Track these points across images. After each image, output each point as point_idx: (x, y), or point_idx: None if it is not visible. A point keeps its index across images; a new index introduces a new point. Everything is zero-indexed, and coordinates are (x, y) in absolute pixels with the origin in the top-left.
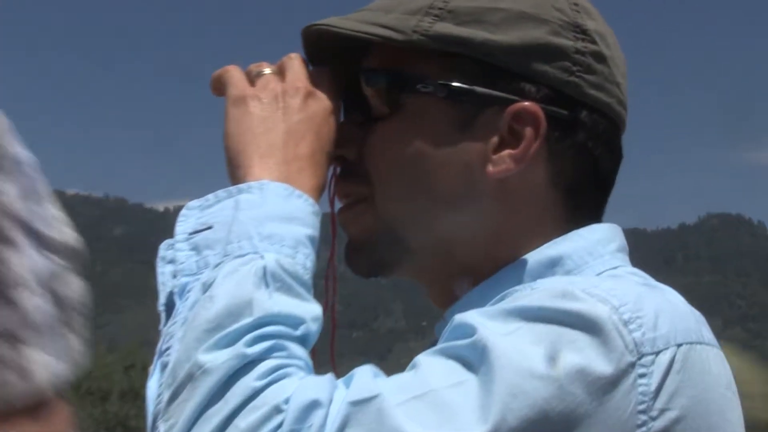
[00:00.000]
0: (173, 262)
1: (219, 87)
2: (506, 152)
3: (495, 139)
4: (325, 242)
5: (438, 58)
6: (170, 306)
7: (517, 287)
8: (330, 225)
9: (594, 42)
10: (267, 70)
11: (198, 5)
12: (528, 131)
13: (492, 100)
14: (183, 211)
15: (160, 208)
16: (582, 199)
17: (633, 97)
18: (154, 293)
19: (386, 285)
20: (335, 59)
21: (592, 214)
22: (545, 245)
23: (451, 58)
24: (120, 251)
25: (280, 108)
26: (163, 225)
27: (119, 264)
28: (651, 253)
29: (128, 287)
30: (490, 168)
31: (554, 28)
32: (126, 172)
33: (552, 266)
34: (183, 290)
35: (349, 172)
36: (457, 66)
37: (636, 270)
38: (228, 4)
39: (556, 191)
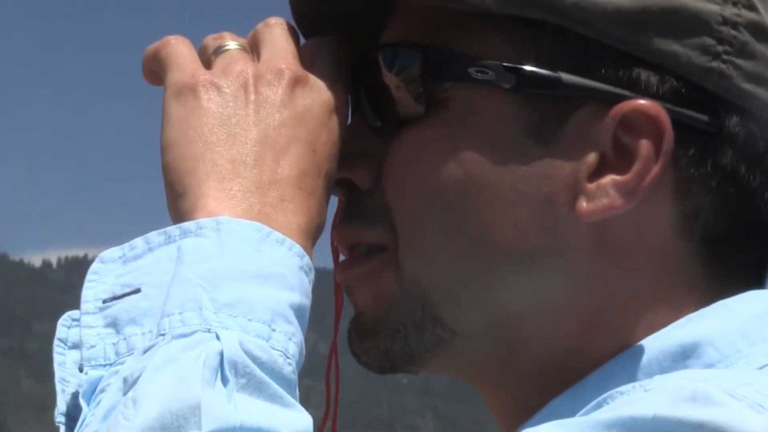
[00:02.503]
0: (78, 347)
1: (155, 69)
2: (609, 179)
3: (592, 158)
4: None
5: (502, 27)
6: (73, 416)
7: (623, 388)
8: (333, 286)
9: (752, 7)
10: (231, 44)
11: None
12: (644, 146)
13: (588, 95)
14: (94, 266)
15: (36, 261)
16: (730, 255)
17: None
18: (34, 402)
19: (410, 386)
20: (338, 29)
21: (747, 277)
22: (673, 325)
23: (524, 28)
24: None
25: (252, 102)
26: (41, 288)
27: None
28: None
29: None
30: (584, 204)
31: None
32: None
33: (684, 357)
34: (94, 390)
35: (358, 206)
36: (533, 40)
37: None
38: None
39: (688, 242)
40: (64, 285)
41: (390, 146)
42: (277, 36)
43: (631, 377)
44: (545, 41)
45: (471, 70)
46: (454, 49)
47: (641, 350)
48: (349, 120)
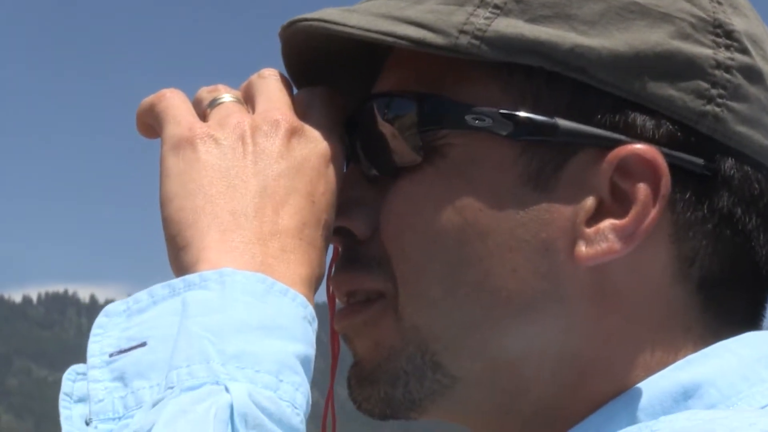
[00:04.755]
0: (85, 401)
1: (151, 123)
2: (607, 223)
3: (589, 203)
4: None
5: (498, 74)
6: None
7: (630, 429)
8: (330, 337)
9: (744, 50)
10: (226, 97)
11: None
12: (641, 191)
13: (584, 141)
14: (99, 319)
15: (17, 297)
16: (726, 297)
17: None
18: None
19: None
20: (331, 79)
21: (743, 319)
22: (673, 366)
23: (521, 74)
24: None
25: (250, 154)
26: (21, 324)
27: None
28: None
29: None
30: (583, 249)
31: (682, 29)
32: None
33: (686, 398)
34: None
35: (356, 254)
36: (530, 87)
37: None
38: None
39: (684, 285)
40: (44, 321)
41: (387, 195)
42: (272, 87)
43: (633, 418)
44: (542, 88)
45: (468, 117)
46: (450, 97)
47: (642, 391)
48: (345, 169)
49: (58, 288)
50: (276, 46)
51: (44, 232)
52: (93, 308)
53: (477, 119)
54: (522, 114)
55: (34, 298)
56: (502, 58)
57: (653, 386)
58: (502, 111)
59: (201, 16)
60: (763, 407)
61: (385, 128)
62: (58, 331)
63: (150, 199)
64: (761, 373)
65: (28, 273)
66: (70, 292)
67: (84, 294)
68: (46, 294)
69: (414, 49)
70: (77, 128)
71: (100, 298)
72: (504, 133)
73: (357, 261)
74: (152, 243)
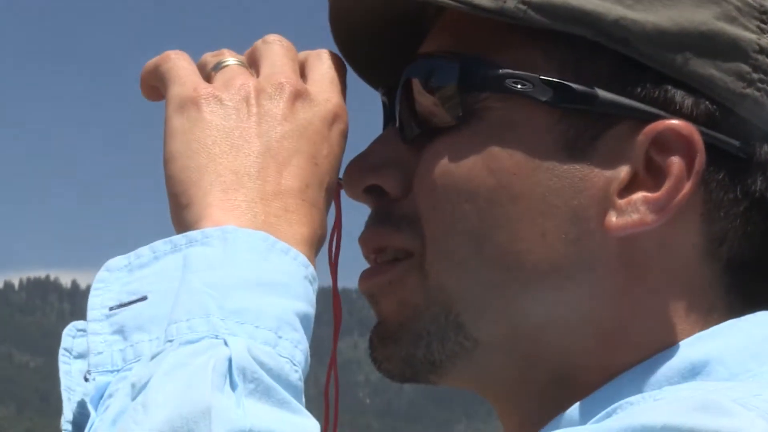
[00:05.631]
0: (84, 356)
1: (156, 84)
2: (640, 195)
3: (623, 174)
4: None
5: (542, 41)
6: (79, 424)
7: (633, 398)
8: (333, 302)
9: None
10: (231, 60)
11: None
12: (676, 165)
13: (623, 113)
14: (100, 274)
15: (14, 280)
16: (753, 281)
17: None
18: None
19: (372, 407)
20: (377, 42)
21: None
22: (683, 343)
23: (564, 43)
24: None
25: (254, 115)
26: (3, 309)
27: None
28: None
29: None
30: (613, 219)
31: (728, 11)
32: None
33: (693, 375)
34: (101, 396)
35: (387, 213)
36: (572, 56)
37: None
38: None
39: (712, 265)
40: (25, 306)
41: (422, 155)
42: (276, 52)
43: (639, 391)
44: (584, 57)
45: (508, 81)
46: (492, 61)
47: (651, 366)
48: (383, 131)
49: (40, 273)
50: (281, 17)
51: (26, 217)
52: (74, 294)
53: (518, 83)
54: (562, 81)
55: (16, 283)
56: (547, 24)
57: (663, 362)
58: (543, 77)
59: None
60: None
61: (426, 89)
62: (40, 317)
63: (135, 185)
64: None
65: (10, 258)
66: (52, 277)
67: (66, 279)
68: (28, 279)
69: (462, 10)
70: (58, 113)
71: (82, 283)
72: (543, 99)
73: (388, 219)
74: (136, 229)
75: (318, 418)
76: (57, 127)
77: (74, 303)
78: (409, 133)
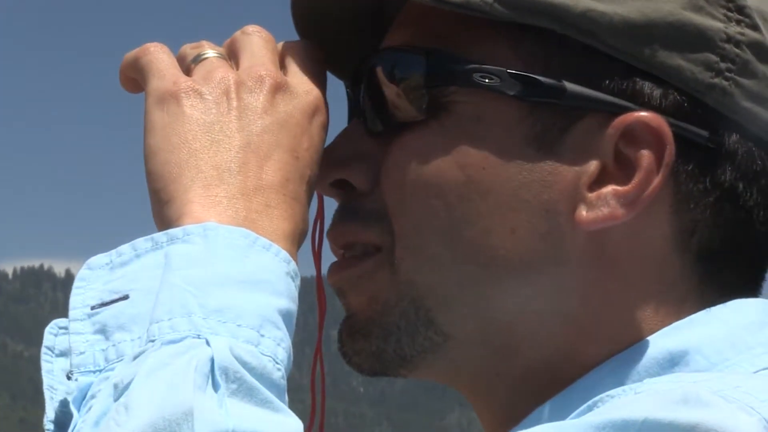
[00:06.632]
0: (67, 354)
1: (135, 77)
2: (610, 189)
3: (593, 168)
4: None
5: (508, 35)
6: (62, 423)
7: (614, 391)
8: (317, 294)
9: (755, 27)
10: (210, 53)
11: None
12: (645, 158)
13: (591, 106)
14: (82, 272)
15: (8, 269)
16: (724, 270)
17: None
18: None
19: (366, 396)
20: (339, 33)
21: (740, 293)
22: (660, 333)
23: (531, 36)
24: None
25: (234, 109)
26: (1, 301)
27: None
28: None
29: None
30: (584, 213)
31: (695, 0)
32: None
33: (672, 365)
34: (84, 396)
35: (354, 208)
36: (540, 49)
37: None
38: None
39: (683, 256)
40: (19, 295)
41: (389, 149)
42: (256, 44)
43: (619, 383)
44: (552, 50)
45: (476, 75)
46: (459, 54)
47: (629, 357)
48: (348, 123)
49: (34, 263)
50: (259, 9)
51: (20, 207)
52: (68, 283)
53: (485, 78)
54: (531, 75)
55: (10, 272)
56: (514, 18)
57: (640, 352)
58: (510, 71)
59: None
60: (755, 372)
61: (392, 83)
62: (34, 306)
63: (128, 175)
64: (748, 340)
65: (4, 248)
66: (46, 266)
67: (59, 269)
68: (22, 269)
69: (427, 3)
70: (58, 104)
71: (76, 273)
72: (511, 93)
73: (356, 214)
74: (129, 218)
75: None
76: (53, 116)
77: (68, 293)
78: (375, 127)
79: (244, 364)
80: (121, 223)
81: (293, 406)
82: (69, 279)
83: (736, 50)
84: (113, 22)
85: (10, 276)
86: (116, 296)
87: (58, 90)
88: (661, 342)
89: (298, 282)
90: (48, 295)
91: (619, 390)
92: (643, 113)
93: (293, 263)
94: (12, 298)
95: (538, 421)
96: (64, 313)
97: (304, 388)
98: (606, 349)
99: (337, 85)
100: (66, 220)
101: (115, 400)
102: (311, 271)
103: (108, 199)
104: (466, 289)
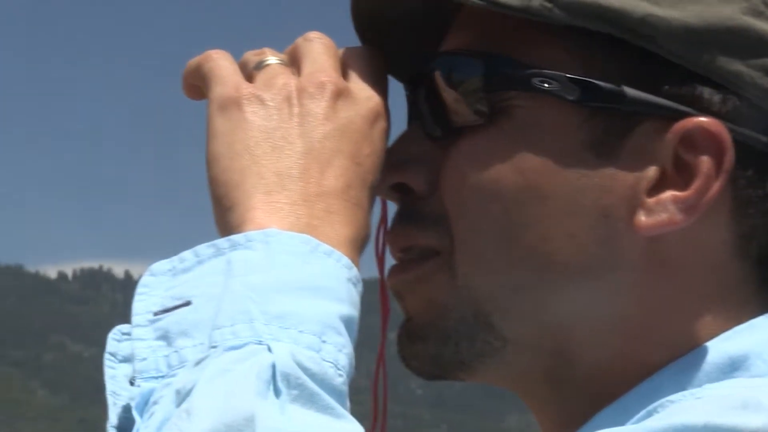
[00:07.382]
0: (130, 360)
1: (197, 84)
2: (669, 194)
3: (652, 173)
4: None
5: (566, 39)
6: (124, 428)
7: (674, 396)
8: (380, 299)
9: None
10: (272, 59)
11: None
12: (705, 163)
13: (650, 111)
14: (144, 279)
15: (52, 272)
16: None
17: None
18: (48, 413)
19: (424, 398)
20: (398, 37)
21: None
22: (720, 337)
23: (590, 41)
24: None
25: (296, 115)
26: (56, 300)
27: None
28: None
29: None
30: (642, 218)
31: (755, 5)
32: None
33: (732, 369)
34: (146, 402)
35: (413, 211)
36: (598, 53)
37: None
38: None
39: (742, 262)
40: (78, 297)
41: (448, 153)
42: (317, 50)
43: (680, 388)
44: (610, 55)
45: (535, 80)
46: (518, 59)
47: (690, 362)
48: (408, 126)
49: (93, 264)
50: (321, 16)
51: (79, 209)
52: (127, 284)
53: (544, 82)
54: (590, 80)
55: (69, 274)
56: (573, 22)
57: (701, 357)
58: (570, 76)
59: None
60: None
61: (450, 87)
62: (93, 307)
63: (184, 176)
64: None
65: (63, 249)
66: (105, 268)
67: (119, 270)
68: (81, 270)
69: (485, 8)
70: (114, 107)
71: (135, 274)
72: (571, 98)
73: (414, 217)
74: (187, 220)
75: (369, 409)
76: (107, 121)
77: (127, 294)
78: (434, 131)
79: (306, 371)
80: (180, 227)
81: (351, 407)
82: (128, 280)
83: None
84: (176, 30)
85: (70, 277)
86: (178, 302)
87: (115, 91)
88: (721, 346)
89: (360, 288)
90: (107, 297)
91: (679, 395)
92: (703, 118)
93: (355, 269)
94: (72, 299)
95: (598, 426)
96: (123, 314)
97: (361, 389)
98: (665, 354)
99: (398, 89)
100: (125, 223)
101: (177, 406)
102: (368, 273)
103: (168, 203)
104: (523, 293)
